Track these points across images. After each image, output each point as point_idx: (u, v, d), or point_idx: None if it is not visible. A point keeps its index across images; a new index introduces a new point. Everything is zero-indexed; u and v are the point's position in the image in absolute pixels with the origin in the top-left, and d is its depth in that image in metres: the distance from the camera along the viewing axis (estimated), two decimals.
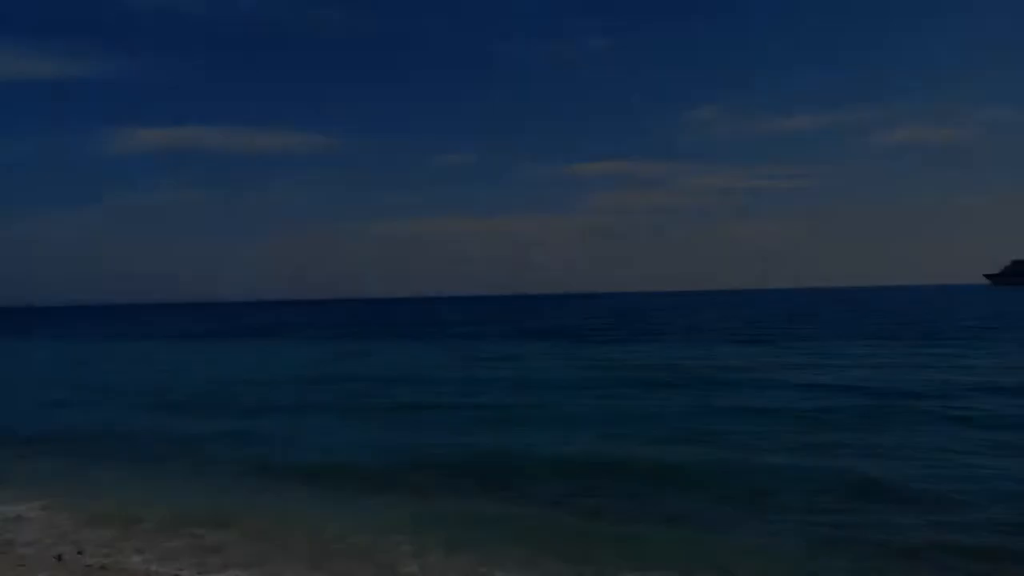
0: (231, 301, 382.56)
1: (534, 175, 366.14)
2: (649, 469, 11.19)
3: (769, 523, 8.72)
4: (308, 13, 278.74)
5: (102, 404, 20.33)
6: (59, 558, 7.97)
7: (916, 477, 10.41)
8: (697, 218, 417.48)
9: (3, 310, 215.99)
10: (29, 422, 17.42)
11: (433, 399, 19.26)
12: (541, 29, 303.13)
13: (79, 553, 8.15)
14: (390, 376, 24.79)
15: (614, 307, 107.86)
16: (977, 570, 7.33)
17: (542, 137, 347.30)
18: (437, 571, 7.57)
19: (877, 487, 9.95)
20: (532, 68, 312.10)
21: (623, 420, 15.29)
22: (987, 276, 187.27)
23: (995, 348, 28.81)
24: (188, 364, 32.57)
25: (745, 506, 9.38)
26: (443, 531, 8.64)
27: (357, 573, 7.58)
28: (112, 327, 77.24)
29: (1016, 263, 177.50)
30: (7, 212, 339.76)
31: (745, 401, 17.18)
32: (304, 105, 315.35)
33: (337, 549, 8.28)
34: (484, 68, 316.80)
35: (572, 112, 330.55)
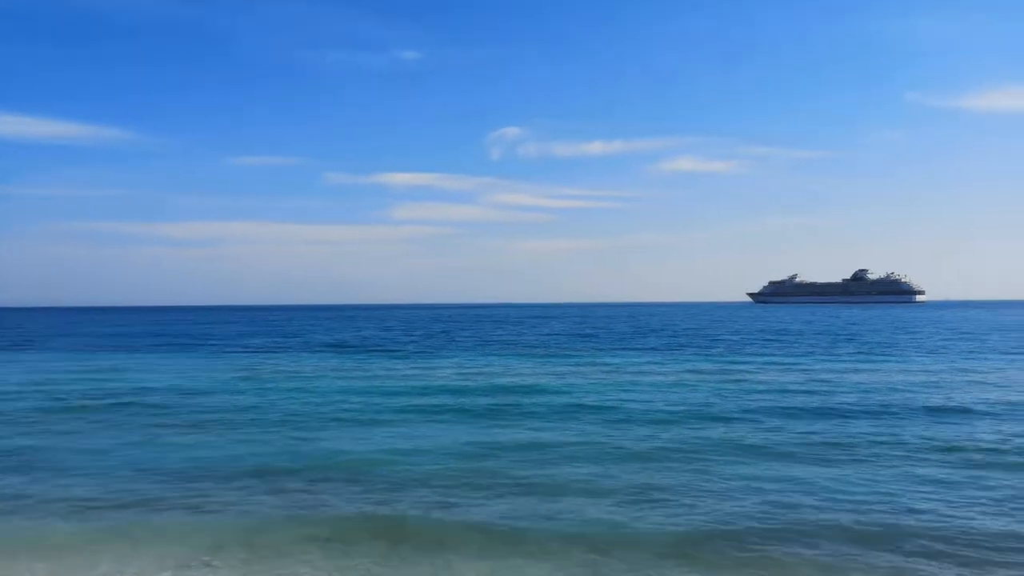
0: None
1: (339, 184, 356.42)
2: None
3: None
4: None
5: None
6: None
7: (671, 511, 10.45)
8: (501, 233, 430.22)
9: None
10: None
11: (204, 417, 17.11)
12: (351, 38, 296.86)
13: None
14: (146, 395, 21.84)
15: (419, 319, 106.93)
16: None
17: (347, 145, 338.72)
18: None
19: (616, 531, 9.00)
20: (340, 76, 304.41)
21: (399, 451, 14.24)
22: (749, 295, 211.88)
23: (755, 360, 31.76)
24: None
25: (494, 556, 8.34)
26: (238, 543, 8.62)
27: None
28: None
29: (773, 283, 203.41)
30: None
31: (522, 432, 15.92)
32: (88, 95, 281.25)
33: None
34: (288, 73, 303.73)
35: (379, 121, 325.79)
